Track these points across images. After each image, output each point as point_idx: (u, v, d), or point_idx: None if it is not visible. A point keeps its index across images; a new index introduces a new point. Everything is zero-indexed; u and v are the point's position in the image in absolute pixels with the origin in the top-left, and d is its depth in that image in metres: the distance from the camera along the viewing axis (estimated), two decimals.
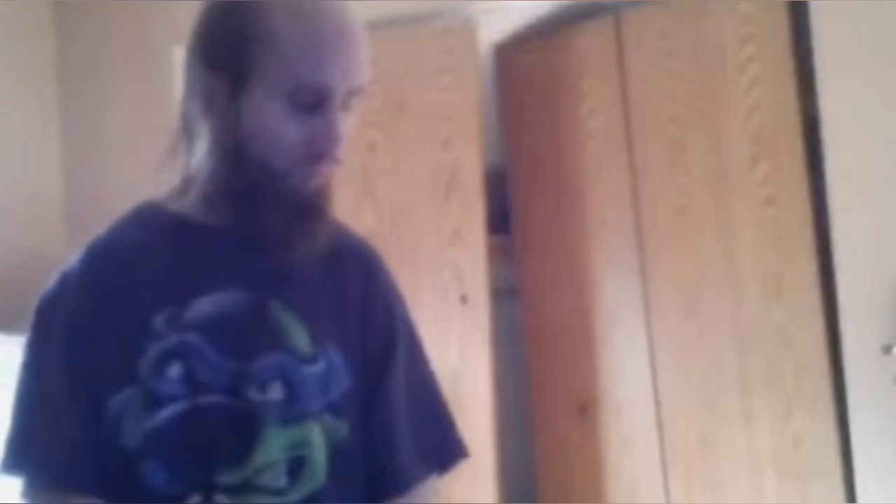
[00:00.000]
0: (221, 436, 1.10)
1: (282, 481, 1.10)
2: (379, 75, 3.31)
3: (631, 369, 2.95)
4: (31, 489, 1.13)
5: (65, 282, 1.16)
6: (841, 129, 2.50)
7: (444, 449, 1.25)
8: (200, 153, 1.15)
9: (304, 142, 1.10)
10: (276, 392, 1.11)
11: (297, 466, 1.11)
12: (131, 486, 1.09)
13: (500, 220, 3.20)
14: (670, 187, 2.85)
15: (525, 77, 3.28)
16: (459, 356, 2.86)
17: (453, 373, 2.83)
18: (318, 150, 1.11)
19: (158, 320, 1.11)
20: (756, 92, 2.68)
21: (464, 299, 2.88)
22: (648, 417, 2.88)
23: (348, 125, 1.14)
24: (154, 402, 1.09)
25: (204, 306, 1.12)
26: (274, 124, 1.10)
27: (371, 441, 1.18)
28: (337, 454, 1.14)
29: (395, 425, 1.20)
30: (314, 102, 1.09)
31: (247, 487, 1.09)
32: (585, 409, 3.05)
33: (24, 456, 1.12)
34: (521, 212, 3.28)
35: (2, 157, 3.03)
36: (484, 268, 2.89)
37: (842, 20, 2.50)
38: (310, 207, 1.13)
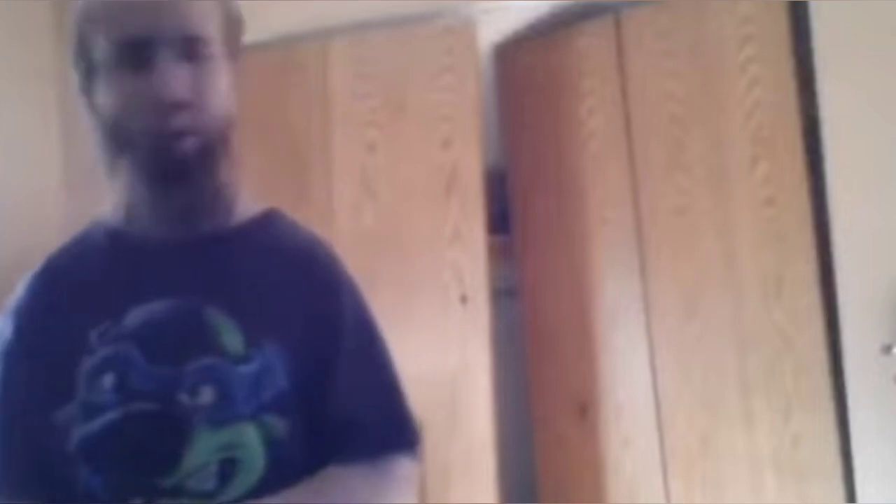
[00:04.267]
0: (153, 441, 1.11)
1: (210, 484, 1.11)
2: (379, 75, 3.33)
3: (631, 369, 2.94)
4: None
5: (7, 311, 1.20)
6: (841, 129, 2.50)
7: (399, 432, 1.24)
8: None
9: (144, 97, 1.11)
10: (206, 395, 1.12)
11: (229, 468, 1.11)
12: (74, 495, 1.12)
13: (500, 220, 3.20)
14: (670, 187, 2.85)
15: (525, 77, 3.28)
16: (459, 356, 2.86)
17: (453, 373, 2.83)
18: (157, 99, 1.10)
19: (93, 335, 1.13)
20: (756, 92, 2.68)
21: (464, 299, 2.87)
22: (648, 417, 2.88)
23: (211, 75, 1.14)
24: (90, 412, 1.12)
25: (136, 316, 1.14)
26: (115, 92, 1.13)
27: (326, 428, 1.17)
28: (276, 453, 1.13)
29: (350, 410, 1.19)
30: (140, 57, 1.10)
31: (179, 491, 1.10)
32: (585, 409, 3.05)
33: None
34: (520, 212, 3.28)
35: (2, 157, 3.03)
36: (484, 268, 2.88)
37: (842, 20, 2.50)
38: (175, 168, 1.12)
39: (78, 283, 1.19)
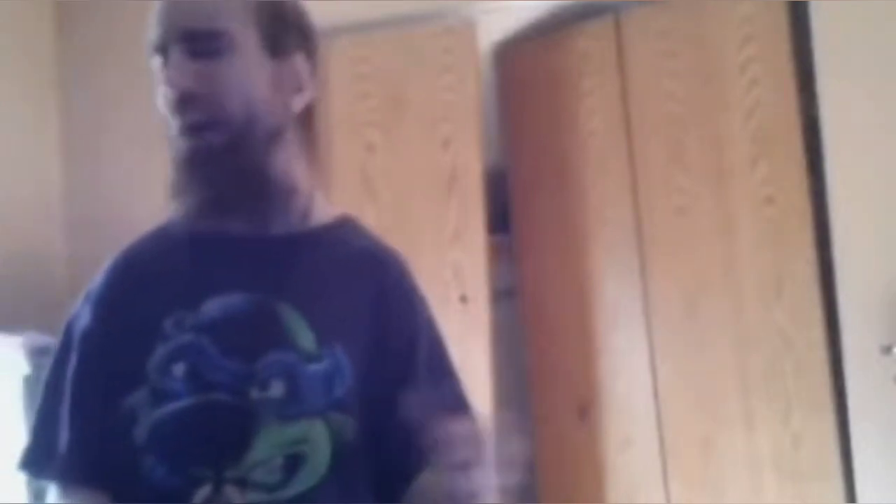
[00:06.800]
0: (221, 433, 1.13)
1: (275, 477, 1.11)
2: (379, 75, 3.33)
3: (631, 369, 2.94)
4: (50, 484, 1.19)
5: (86, 297, 1.23)
6: (841, 129, 2.50)
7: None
8: None
9: (163, 94, 1.16)
10: (276, 390, 1.13)
11: (295, 463, 1.12)
12: (138, 480, 1.13)
13: (500, 220, 3.20)
14: (670, 187, 2.85)
15: (525, 77, 3.27)
16: (459, 356, 2.84)
17: None
18: (168, 95, 1.15)
19: (168, 323, 1.15)
20: (756, 92, 2.68)
21: (464, 299, 2.87)
22: (648, 417, 2.88)
23: (226, 69, 1.16)
24: (160, 399, 1.13)
25: (212, 308, 1.16)
26: (157, 90, 1.18)
27: (394, 437, 1.17)
28: (342, 451, 1.14)
29: (427, 423, 1.19)
30: (162, 57, 1.16)
31: (243, 483, 1.11)
32: (585, 409, 3.04)
33: (35, 455, 1.21)
34: (520, 211, 3.28)
35: (2, 157, 3.03)
36: (484, 268, 2.89)
37: (842, 20, 2.50)
38: (199, 161, 1.15)
39: (155, 272, 1.21)
